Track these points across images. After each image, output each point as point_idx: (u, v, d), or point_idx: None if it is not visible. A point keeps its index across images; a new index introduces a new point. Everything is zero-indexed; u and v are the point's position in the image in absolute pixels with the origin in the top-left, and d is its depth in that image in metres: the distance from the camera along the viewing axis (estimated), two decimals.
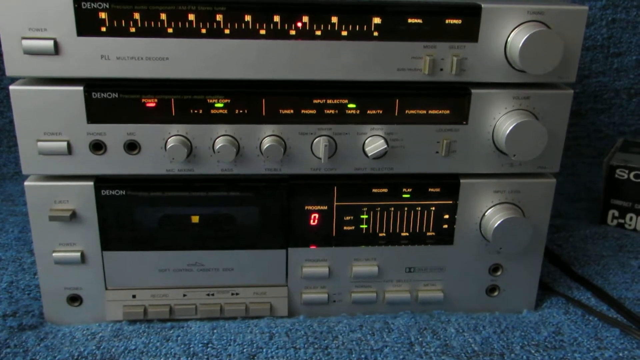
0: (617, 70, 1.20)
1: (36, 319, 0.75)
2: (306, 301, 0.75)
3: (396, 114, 0.70)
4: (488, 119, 0.69)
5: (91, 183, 0.70)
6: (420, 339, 0.71)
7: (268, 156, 0.68)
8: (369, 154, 0.70)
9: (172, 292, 0.74)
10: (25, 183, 0.70)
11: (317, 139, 0.70)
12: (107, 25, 0.64)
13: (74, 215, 0.71)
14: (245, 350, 0.68)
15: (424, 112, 0.70)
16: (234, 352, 0.67)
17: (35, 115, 0.67)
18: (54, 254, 0.72)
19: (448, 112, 0.69)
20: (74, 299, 0.75)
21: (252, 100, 0.68)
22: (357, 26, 0.66)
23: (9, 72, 0.65)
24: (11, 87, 0.66)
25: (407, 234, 0.74)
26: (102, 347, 0.68)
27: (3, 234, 0.92)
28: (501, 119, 0.69)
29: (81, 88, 0.65)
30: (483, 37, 0.67)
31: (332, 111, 0.69)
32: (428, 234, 0.74)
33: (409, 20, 0.67)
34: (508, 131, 0.67)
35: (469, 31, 0.67)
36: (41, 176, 0.71)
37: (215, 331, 0.71)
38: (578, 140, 1.20)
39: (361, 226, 0.73)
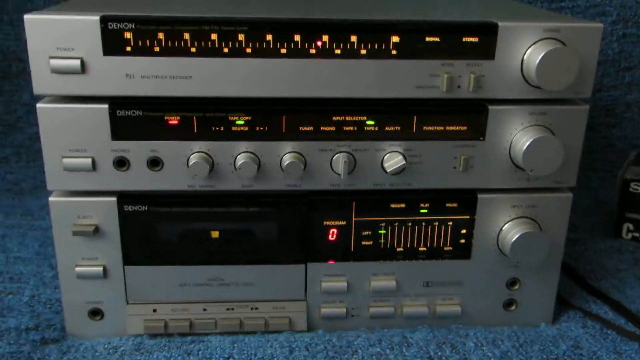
0: (628, 84, 1.21)
1: (58, 332, 0.76)
2: (325, 315, 0.76)
3: (414, 131, 0.72)
4: (505, 134, 0.70)
5: (114, 199, 0.72)
6: (439, 354, 0.72)
7: (288, 172, 0.70)
8: (388, 170, 0.71)
9: (193, 307, 0.75)
10: (50, 198, 0.72)
11: (336, 156, 0.71)
12: (132, 45, 0.66)
13: (97, 231, 0.72)
14: None
15: (442, 128, 0.72)
16: None
17: (61, 132, 0.69)
18: (76, 269, 0.74)
19: (465, 128, 0.70)
20: (96, 313, 0.77)
21: (272, 117, 0.70)
22: (376, 45, 0.68)
23: (37, 90, 0.67)
24: (38, 105, 0.68)
25: (425, 248, 0.75)
26: None
27: (23, 248, 0.94)
28: (518, 134, 0.70)
29: (106, 106, 0.67)
30: (500, 54, 0.69)
31: (351, 128, 0.71)
32: (445, 248, 0.75)
33: (427, 39, 0.68)
34: (525, 147, 0.68)
35: (486, 49, 0.69)
36: (65, 192, 0.73)
37: (235, 345, 0.73)
38: (590, 155, 1.21)
39: (379, 241, 0.74)
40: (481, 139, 0.71)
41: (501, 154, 0.71)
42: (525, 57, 0.68)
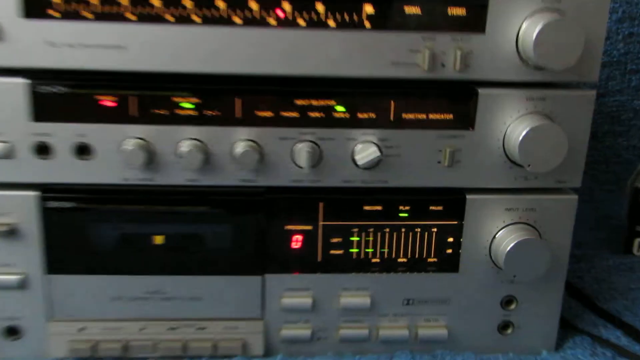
0: (635, 88, 1.14)
1: None
2: (286, 338, 0.69)
3: (391, 118, 0.64)
4: (498, 123, 0.64)
5: (35, 193, 0.63)
6: None
7: (242, 163, 0.62)
8: (359, 163, 0.63)
9: (128, 325, 0.67)
10: None
11: (298, 145, 0.63)
12: (57, 6, 0.58)
13: (13, 231, 0.64)
14: None
15: (423, 115, 0.64)
16: None
17: None
18: None
19: (451, 115, 0.64)
20: (12, 332, 0.67)
21: (223, 98, 0.62)
22: (346, 14, 0.60)
23: None
24: None
25: (405, 259, 0.68)
26: None
27: None
28: (513, 123, 0.63)
29: (26, 80, 0.60)
30: (491, 27, 0.61)
31: (318, 114, 0.63)
32: (429, 260, 0.68)
33: (406, 9, 0.60)
34: (521, 137, 0.61)
35: (475, 21, 0.61)
36: None
37: None
38: (595, 165, 1.13)
39: (351, 250, 0.67)
40: (470, 128, 0.64)
41: (493, 147, 0.64)
42: (521, 30, 0.61)
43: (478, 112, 0.63)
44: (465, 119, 0.64)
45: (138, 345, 0.67)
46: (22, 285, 0.65)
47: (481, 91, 0.63)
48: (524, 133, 0.61)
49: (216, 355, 0.68)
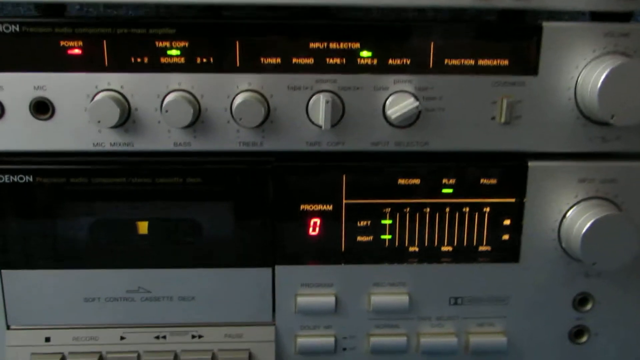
0: None
1: None
2: (303, 348, 0.58)
3: (431, 62, 0.51)
4: (569, 67, 0.52)
5: None
6: None
7: (242, 119, 0.49)
8: (393, 118, 0.51)
9: (105, 334, 0.56)
10: None
11: (315, 96, 0.51)
12: None
13: None
14: None
15: (472, 61, 0.52)
16: None
17: None
18: None
19: (508, 58, 0.52)
20: None
21: (219, 42, 0.50)
22: None
23: None
24: None
25: (450, 248, 0.57)
26: None
27: None
28: (589, 66, 0.52)
29: None
30: None
31: (337, 60, 0.51)
32: (481, 248, 0.57)
33: None
34: (601, 81, 0.50)
35: None
36: None
37: None
38: None
39: (382, 236, 0.56)
40: (532, 74, 0.52)
41: (562, 98, 0.53)
42: None
43: (542, 52, 0.52)
44: (527, 63, 0.52)
45: (117, 358, 0.56)
46: None
47: (546, 25, 0.52)
48: (603, 77, 0.50)
49: None
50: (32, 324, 0.55)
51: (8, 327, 0.55)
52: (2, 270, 0.54)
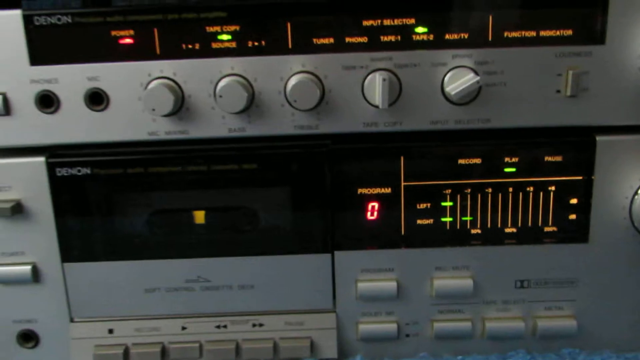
0: None
1: None
2: (365, 335, 0.54)
3: (490, 35, 0.46)
4: (638, 32, 0.47)
5: (41, 158, 0.50)
6: None
7: (296, 101, 0.46)
8: (453, 94, 0.47)
9: (166, 324, 0.54)
10: None
11: (370, 75, 0.48)
12: None
13: (18, 209, 0.50)
14: None
15: (533, 32, 0.47)
16: None
17: None
18: None
19: (573, 27, 0.47)
20: (27, 338, 0.55)
21: (271, 24, 0.47)
22: None
23: None
24: None
25: (515, 229, 0.53)
26: None
27: None
28: None
29: (19, 12, 0.47)
30: None
31: (392, 38, 0.46)
32: (547, 228, 0.52)
33: None
34: None
35: None
36: None
37: None
38: None
39: (443, 219, 0.52)
40: (599, 42, 0.48)
41: (632, 67, 0.48)
42: None
43: (609, 18, 0.47)
44: (593, 30, 0.48)
45: (179, 348, 0.54)
46: (34, 277, 0.51)
47: None
48: None
49: (278, 359, 0.53)
50: (95, 317, 0.53)
51: (72, 320, 0.53)
52: (64, 264, 0.51)
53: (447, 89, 0.47)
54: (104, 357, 0.52)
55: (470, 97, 0.48)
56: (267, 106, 0.48)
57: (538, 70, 0.48)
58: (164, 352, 0.53)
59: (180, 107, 0.48)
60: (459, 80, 0.47)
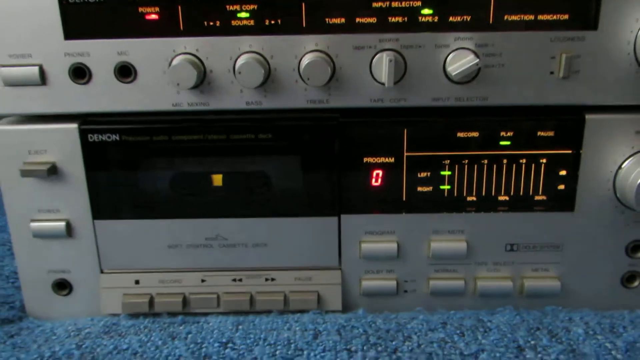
0: None
1: (15, 312, 0.57)
2: (367, 290, 0.57)
3: (491, 18, 0.48)
4: (628, 21, 0.49)
5: (75, 125, 0.53)
6: (532, 342, 0.49)
7: (309, 79, 0.48)
8: (453, 74, 0.50)
9: (187, 277, 0.57)
10: None
11: (378, 55, 0.50)
12: None
13: (54, 170, 0.54)
14: (278, 352, 0.47)
15: (531, 16, 0.50)
16: (261, 354, 0.46)
17: None
18: (31, 224, 0.55)
19: (567, 12, 0.49)
20: (62, 286, 0.58)
21: (286, 2, 0.49)
22: None
23: None
24: None
25: (507, 197, 0.55)
26: (83, 347, 0.49)
27: (1, 216, 0.75)
28: None
29: None
30: None
31: (400, 19, 0.48)
32: (537, 197, 0.55)
33: None
34: None
35: None
36: (12, 118, 0.53)
37: (240, 327, 0.51)
38: None
39: (442, 186, 0.55)
40: (592, 28, 0.50)
41: (622, 52, 0.50)
42: None
43: (603, 5, 0.49)
44: (586, 17, 0.49)
45: (199, 299, 0.57)
46: (68, 232, 0.55)
47: None
48: None
49: (288, 310, 0.56)
50: (122, 268, 0.56)
51: (102, 271, 0.56)
52: (95, 221, 0.55)
53: (449, 69, 0.50)
54: (131, 305, 0.56)
55: (470, 77, 0.50)
56: (282, 81, 0.51)
57: (534, 53, 0.50)
58: (185, 301, 0.56)
59: (202, 81, 0.51)
60: (459, 61, 0.49)
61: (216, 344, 0.49)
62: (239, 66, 0.49)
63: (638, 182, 0.51)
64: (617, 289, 0.57)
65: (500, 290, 0.57)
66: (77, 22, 0.50)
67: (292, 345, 0.48)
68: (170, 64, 0.50)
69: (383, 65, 0.49)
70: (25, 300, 0.58)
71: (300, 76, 0.50)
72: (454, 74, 0.49)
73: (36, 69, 0.50)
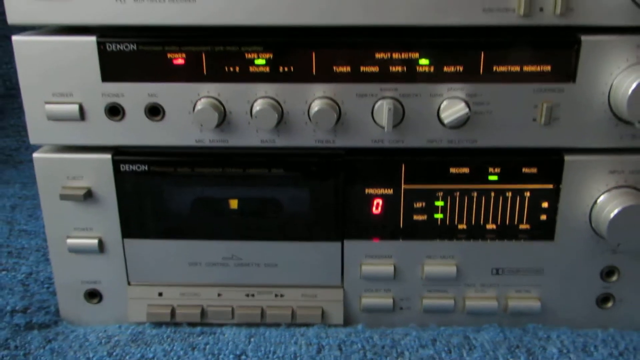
0: None
1: (51, 316, 0.63)
2: (366, 307, 0.62)
3: (481, 70, 0.54)
4: (603, 75, 0.54)
5: (108, 156, 0.58)
6: None
7: (317, 123, 0.54)
8: (446, 122, 0.55)
9: (205, 291, 0.62)
10: (34, 155, 0.58)
11: (379, 102, 0.55)
12: None
13: (89, 195, 0.59)
14: None
15: (518, 68, 0.55)
16: None
17: (41, 71, 0.55)
18: (68, 240, 0.61)
19: (549, 67, 0.54)
20: (93, 295, 0.63)
21: (299, 53, 0.54)
22: None
23: (11, 19, 0.54)
24: (15, 39, 0.55)
25: (494, 226, 0.60)
26: (114, 354, 0.55)
27: (32, 220, 0.81)
28: (622, 74, 0.54)
29: (94, 38, 0.54)
30: None
31: (399, 68, 0.54)
32: (521, 226, 0.59)
33: None
34: (632, 90, 0.52)
35: None
36: (53, 147, 0.59)
37: (252, 340, 0.57)
38: None
39: (435, 215, 0.59)
40: (571, 81, 0.54)
41: (597, 102, 0.55)
42: None
43: (580, 62, 0.54)
44: (566, 71, 0.54)
45: (215, 311, 0.62)
46: (100, 248, 0.61)
47: (584, 38, 0.53)
48: (634, 85, 0.52)
49: (295, 323, 0.61)
50: (147, 282, 0.61)
51: (129, 283, 0.62)
52: (124, 239, 0.60)
53: (442, 115, 0.55)
54: (155, 315, 0.61)
55: (461, 123, 0.54)
56: (293, 123, 0.56)
57: (518, 103, 0.54)
58: (203, 313, 0.61)
59: (222, 121, 0.57)
60: (451, 109, 0.54)
61: (231, 356, 0.55)
62: (255, 111, 0.54)
63: (610, 218, 0.56)
64: (592, 309, 0.62)
65: (487, 309, 0.61)
66: (113, 67, 0.55)
67: (298, 359, 0.54)
68: (194, 106, 0.55)
69: (384, 112, 0.54)
70: (60, 307, 0.64)
71: (310, 119, 0.55)
72: (446, 121, 0.54)
73: (76, 106, 0.56)
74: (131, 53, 0.54)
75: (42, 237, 0.76)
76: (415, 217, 0.59)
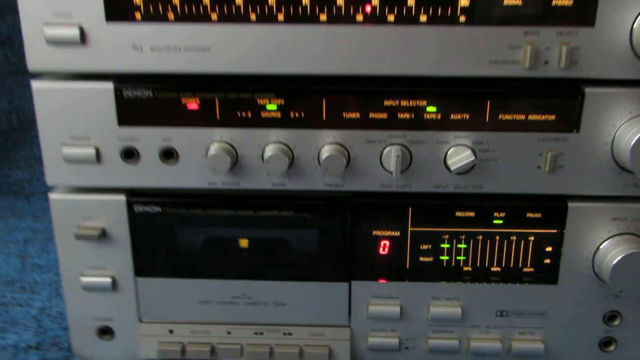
0: None
1: (64, 352, 0.64)
2: (373, 346, 0.63)
3: (487, 119, 0.55)
4: (606, 126, 0.55)
5: (123, 197, 0.59)
6: None
7: (327, 168, 0.55)
8: (452, 168, 0.55)
9: (215, 329, 0.63)
10: (50, 195, 0.59)
11: (387, 149, 0.56)
12: (140, 9, 0.52)
13: (103, 235, 0.60)
14: None
15: (523, 117, 0.55)
16: None
17: (59, 115, 0.56)
18: (82, 279, 0.61)
19: (554, 117, 0.55)
20: (105, 332, 0.64)
21: (309, 100, 0.55)
22: (440, 8, 0.52)
23: (31, 66, 0.55)
24: (34, 85, 0.56)
25: (499, 269, 0.60)
26: None
27: (45, 254, 0.82)
28: (624, 126, 0.54)
29: (110, 85, 0.55)
30: (602, 20, 0.51)
31: (407, 115, 0.55)
32: (525, 270, 0.60)
33: (505, 1, 0.51)
34: (634, 142, 0.53)
35: (583, 12, 0.51)
36: (69, 188, 0.60)
37: None
38: None
39: (441, 257, 0.60)
40: (574, 131, 0.55)
41: (600, 151, 0.56)
42: (635, 23, 0.51)
43: (584, 113, 0.54)
44: (570, 121, 0.55)
45: (225, 348, 0.63)
46: (113, 286, 0.61)
47: (588, 90, 0.54)
48: (637, 137, 0.53)
49: None
50: (159, 319, 0.62)
51: (141, 321, 0.62)
52: (137, 278, 0.61)
53: (449, 162, 0.55)
54: (166, 352, 0.62)
55: (467, 169, 0.55)
56: (303, 168, 0.57)
57: (523, 151, 0.55)
58: (212, 351, 0.62)
59: (234, 165, 0.58)
60: (458, 156, 0.55)
61: None
62: (267, 156, 0.55)
63: (612, 265, 0.56)
64: (595, 353, 0.62)
65: (491, 350, 0.62)
66: (129, 112, 0.56)
67: None
68: (207, 151, 0.56)
69: (392, 158, 0.55)
70: (73, 343, 0.65)
71: (319, 164, 0.56)
72: (452, 168, 0.55)
73: (93, 150, 0.57)
74: (147, 99, 0.56)
75: (54, 272, 0.77)
76: (422, 259, 0.60)
